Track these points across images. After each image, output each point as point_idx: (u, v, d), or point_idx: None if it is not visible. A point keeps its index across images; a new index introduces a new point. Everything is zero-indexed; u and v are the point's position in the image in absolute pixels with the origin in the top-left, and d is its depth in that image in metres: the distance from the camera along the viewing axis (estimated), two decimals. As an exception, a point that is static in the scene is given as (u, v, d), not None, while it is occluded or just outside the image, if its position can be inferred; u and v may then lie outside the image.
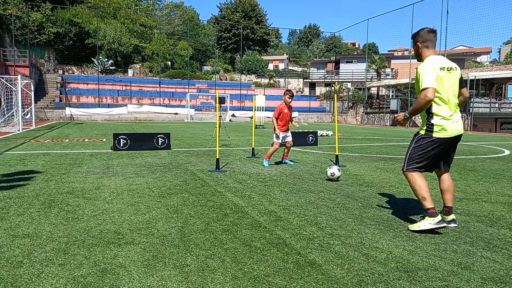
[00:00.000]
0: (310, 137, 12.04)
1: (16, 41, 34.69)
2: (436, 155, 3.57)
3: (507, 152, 11.07)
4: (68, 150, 9.72)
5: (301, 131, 12.80)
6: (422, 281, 2.50)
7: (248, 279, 2.49)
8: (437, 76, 3.40)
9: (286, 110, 7.40)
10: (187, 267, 2.67)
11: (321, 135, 16.27)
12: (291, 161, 7.95)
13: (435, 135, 3.47)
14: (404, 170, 3.64)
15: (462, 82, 3.61)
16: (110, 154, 9.11)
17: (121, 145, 9.79)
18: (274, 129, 7.32)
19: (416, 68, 3.60)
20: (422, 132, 3.56)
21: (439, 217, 3.43)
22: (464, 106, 30.76)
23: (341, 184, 5.77)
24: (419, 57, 3.65)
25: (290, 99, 7.39)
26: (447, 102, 3.46)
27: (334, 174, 5.88)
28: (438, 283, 2.48)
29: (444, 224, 3.46)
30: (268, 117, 33.22)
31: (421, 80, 3.39)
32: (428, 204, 3.47)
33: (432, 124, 3.47)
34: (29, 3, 36.10)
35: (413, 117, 33.31)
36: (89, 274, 2.53)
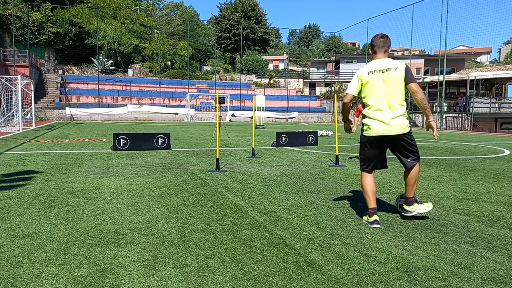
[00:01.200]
0: (310, 137, 12.04)
1: (16, 41, 34.70)
2: (371, 153, 3.84)
3: (507, 152, 11.07)
4: (68, 150, 9.72)
5: (301, 131, 12.80)
6: (422, 281, 2.50)
7: (248, 279, 2.49)
8: (364, 81, 3.75)
9: None
10: (187, 267, 2.67)
11: (321, 135, 16.28)
12: None
13: (364, 133, 3.84)
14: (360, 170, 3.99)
15: (408, 78, 3.65)
16: (110, 154, 9.11)
17: (121, 145, 9.80)
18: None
19: None
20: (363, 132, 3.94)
21: (373, 218, 3.69)
22: (464, 106, 30.80)
23: (341, 184, 5.77)
24: None
25: None
26: (374, 104, 3.70)
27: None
28: (438, 283, 2.48)
29: (377, 226, 3.64)
30: (268, 117, 33.19)
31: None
32: (370, 204, 3.76)
33: (363, 124, 3.87)
34: (29, 3, 36.10)
35: (413, 118, 33.33)
36: (89, 274, 2.53)
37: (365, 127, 3.82)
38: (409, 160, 3.80)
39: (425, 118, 3.75)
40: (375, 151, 3.83)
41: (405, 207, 3.84)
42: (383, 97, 3.67)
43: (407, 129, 3.71)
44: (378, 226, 3.65)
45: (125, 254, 2.88)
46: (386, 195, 5.07)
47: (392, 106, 3.66)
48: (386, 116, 3.66)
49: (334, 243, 3.18)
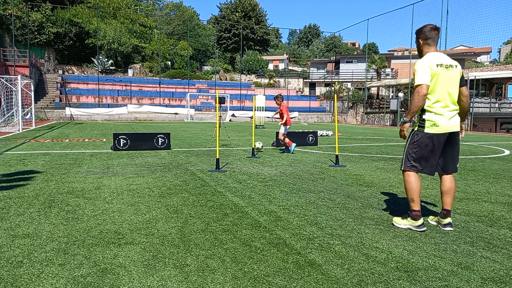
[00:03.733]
0: (310, 137, 12.04)
1: (16, 41, 34.69)
2: (431, 152, 3.51)
3: (507, 152, 11.07)
4: (68, 150, 9.72)
5: (301, 131, 12.80)
6: (422, 281, 2.50)
7: (248, 279, 2.49)
8: (433, 73, 3.40)
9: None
10: (187, 267, 2.67)
11: (321, 135, 16.27)
12: (291, 149, 9.67)
13: (426, 130, 3.47)
14: (402, 168, 3.66)
15: (462, 81, 3.57)
16: (110, 154, 9.11)
17: (121, 145, 9.79)
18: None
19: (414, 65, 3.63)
20: (416, 128, 3.57)
21: (420, 221, 3.50)
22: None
23: (341, 184, 5.77)
24: (420, 54, 3.65)
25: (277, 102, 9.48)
26: (441, 99, 3.44)
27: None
28: (438, 283, 2.48)
29: (424, 229, 3.50)
30: (268, 117, 33.20)
31: (415, 77, 3.44)
32: (415, 206, 3.53)
33: (424, 120, 3.48)
34: (29, 3, 36.10)
35: (413, 118, 33.28)
36: (89, 274, 2.53)
37: (427, 123, 3.46)
38: (455, 165, 3.65)
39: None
40: (437, 150, 3.52)
41: (445, 220, 3.62)
42: (448, 93, 3.45)
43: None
44: (425, 229, 3.52)
45: (125, 254, 2.87)
46: (386, 195, 5.07)
47: (454, 104, 3.51)
48: (451, 113, 3.48)
49: (334, 243, 3.17)
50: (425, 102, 3.44)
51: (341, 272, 2.62)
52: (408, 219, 3.57)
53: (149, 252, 2.92)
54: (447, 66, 3.45)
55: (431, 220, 3.82)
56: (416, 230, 3.50)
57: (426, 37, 3.57)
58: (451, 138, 3.55)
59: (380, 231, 3.52)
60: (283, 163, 7.85)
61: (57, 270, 2.59)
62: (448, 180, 3.66)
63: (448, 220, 3.61)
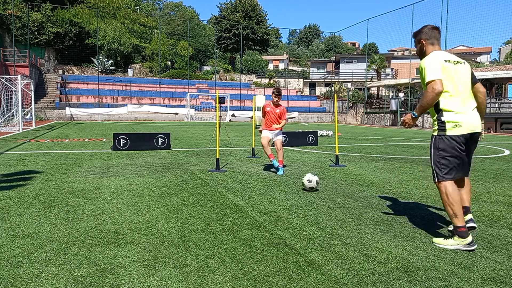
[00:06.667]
0: (310, 137, 12.04)
1: (16, 41, 34.67)
2: (460, 155, 3.20)
3: (507, 152, 11.07)
4: (68, 150, 9.71)
5: (301, 131, 12.80)
6: (422, 281, 2.50)
7: (248, 279, 2.49)
8: (442, 68, 3.15)
9: (268, 109, 6.81)
10: (187, 267, 2.67)
11: (321, 135, 16.27)
12: (281, 169, 6.71)
13: (449, 133, 3.15)
14: (435, 181, 3.26)
15: (474, 78, 3.35)
16: (110, 154, 9.11)
17: (121, 145, 9.79)
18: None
19: (420, 63, 3.34)
20: (435, 133, 3.25)
21: (469, 238, 3.08)
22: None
23: (341, 184, 5.77)
24: (423, 55, 3.41)
25: (275, 98, 6.76)
26: (457, 95, 3.17)
27: (311, 181, 5.15)
28: (438, 283, 2.48)
29: (475, 247, 3.08)
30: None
31: (426, 73, 3.16)
32: (459, 222, 3.11)
33: (444, 122, 3.17)
34: (29, 3, 36.09)
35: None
36: (89, 274, 2.53)
37: (448, 125, 3.15)
38: (469, 168, 3.41)
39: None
40: (466, 150, 3.23)
41: (465, 217, 3.31)
42: (462, 89, 3.20)
43: None
44: (474, 224, 3.30)
45: (125, 254, 2.87)
46: (386, 195, 5.07)
47: (471, 98, 3.28)
48: (470, 108, 3.22)
49: (334, 243, 3.17)
50: (438, 99, 3.14)
51: (341, 272, 2.62)
52: (455, 238, 3.12)
53: (149, 252, 2.92)
54: (455, 62, 3.25)
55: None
56: (465, 250, 3.06)
57: (428, 36, 3.38)
58: (472, 139, 3.27)
59: (380, 231, 3.52)
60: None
61: (57, 270, 2.59)
62: (462, 180, 3.45)
63: (469, 216, 3.37)
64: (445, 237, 3.23)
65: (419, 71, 3.31)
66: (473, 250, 3.05)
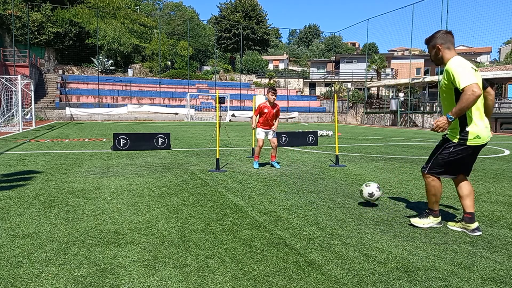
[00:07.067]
0: (310, 137, 12.04)
1: (16, 41, 34.68)
2: (463, 161, 3.45)
3: (507, 152, 11.07)
4: (68, 150, 9.72)
5: (301, 131, 12.80)
6: (422, 281, 2.50)
7: (248, 279, 2.49)
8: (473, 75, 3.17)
9: (266, 110, 7.10)
10: (187, 267, 2.67)
11: (321, 135, 16.27)
12: (277, 163, 7.43)
13: (469, 143, 3.30)
14: (425, 172, 3.57)
15: (485, 83, 3.41)
16: (110, 154, 9.11)
17: (121, 145, 9.80)
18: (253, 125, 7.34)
19: (446, 67, 3.31)
20: (455, 140, 3.35)
21: (476, 224, 3.48)
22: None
23: (341, 184, 5.77)
24: (439, 60, 3.43)
25: (272, 97, 7.00)
26: (480, 107, 3.30)
27: (373, 195, 4.36)
28: (438, 283, 2.48)
29: (480, 233, 3.44)
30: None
31: (461, 77, 3.12)
32: (436, 207, 3.62)
33: (467, 132, 3.29)
34: (29, 3, 36.09)
35: (413, 118, 33.34)
36: (89, 274, 2.53)
37: (471, 136, 3.28)
38: (470, 169, 3.60)
39: (436, 117, 3.38)
40: (469, 159, 3.46)
41: (472, 225, 3.47)
42: (480, 100, 3.28)
43: None
44: (480, 233, 3.44)
45: (125, 254, 2.87)
46: (386, 195, 5.07)
47: (482, 108, 3.38)
48: (486, 120, 3.36)
49: (334, 243, 3.17)
50: (476, 102, 3.14)
51: (341, 272, 2.62)
52: (430, 217, 3.64)
53: (149, 252, 2.92)
54: (475, 70, 3.26)
55: (452, 226, 3.65)
56: (437, 226, 3.62)
57: (444, 41, 3.37)
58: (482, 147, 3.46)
59: (380, 231, 3.52)
60: (283, 163, 7.85)
61: (57, 270, 2.59)
62: (466, 183, 3.58)
63: (476, 224, 3.48)
64: (421, 216, 3.68)
65: (447, 75, 3.26)
66: (478, 234, 3.41)
